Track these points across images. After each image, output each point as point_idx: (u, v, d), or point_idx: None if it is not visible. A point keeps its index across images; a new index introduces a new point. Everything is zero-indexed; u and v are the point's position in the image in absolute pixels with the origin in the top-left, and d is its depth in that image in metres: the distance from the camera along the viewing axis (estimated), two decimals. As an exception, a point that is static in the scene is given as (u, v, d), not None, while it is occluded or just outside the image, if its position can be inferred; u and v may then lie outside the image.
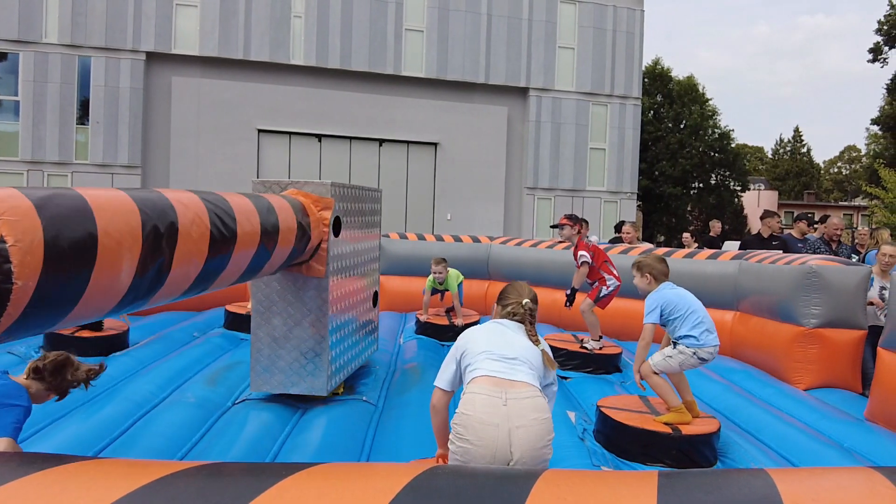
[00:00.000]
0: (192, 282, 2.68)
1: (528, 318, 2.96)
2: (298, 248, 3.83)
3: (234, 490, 1.51)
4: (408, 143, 19.91)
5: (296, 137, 19.09)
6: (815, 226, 9.29)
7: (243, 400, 4.57)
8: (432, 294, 7.40)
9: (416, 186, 20.08)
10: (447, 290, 7.36)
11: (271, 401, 4.52)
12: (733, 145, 35.19)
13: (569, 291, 6.15)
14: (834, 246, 7.45)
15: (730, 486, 1.56)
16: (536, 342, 2.89)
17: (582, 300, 6.16)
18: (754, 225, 31.99)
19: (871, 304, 5.87)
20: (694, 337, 4.02)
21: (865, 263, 6.75)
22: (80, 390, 3.04)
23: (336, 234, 4.41)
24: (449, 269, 7.25)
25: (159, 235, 2.32)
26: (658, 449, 3.88)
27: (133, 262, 2.20)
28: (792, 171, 59.62)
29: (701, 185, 34.07)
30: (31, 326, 1.95)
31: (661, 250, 7.69)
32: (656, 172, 31.33)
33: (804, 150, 61.81)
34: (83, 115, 17.78)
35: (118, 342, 5.94)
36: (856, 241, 8.68)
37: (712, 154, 33.36)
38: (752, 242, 8.32)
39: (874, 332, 5.54)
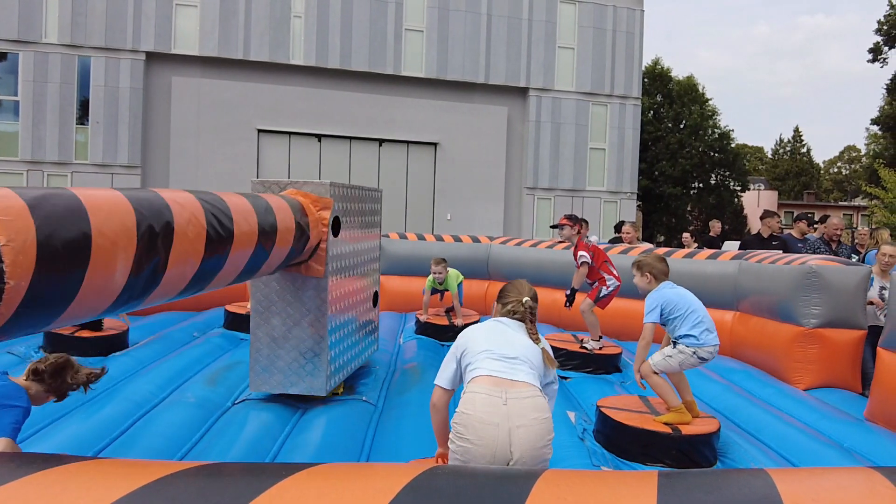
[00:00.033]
0: (189, 281, 2.68)
1: (529, 317, 2.95)
2: (297, 248, 3.82)
3: (233, 490, 1.51)
4: (407, 143, 19.91)
5: (295, 137, 19.09)
6: (815, 226, 9.29)
7: (243, 400, 4.57)
8: (432, 294, 7.40)
9: (415, 186, 20.08)
10: (447, 290, 7.36)
11: (271, 401, 4.52)
12: (733, 145, 35.20)
13: (568, 292, 6.15)
14: (834, 246, 7.45)
15: (730, 486, 1.56)
16: (537, 340, 2.88)
17: (582, 300, 6.16)
18: (754, 225, 32.00)
19: (871, 303, 5.87)
20: (694, 336, 4.02)
21: (865, 263, 6.75)
22: (80, 391, 3.05)
23: (335, 234, 4.41)
24: (449, 269, 7.25)
25: (155, 235, 2.33)
26: (658, 449, 3.88)
27: (128, 261, 2.20)
28: (792, 171, 59.64)
29: (701, 185, 34.07)
30: (25, 326, 1.95)
31: (661, 250, 7.69)
32: (656, 172, 31.33)
33: (804, 150, 61.84)
34: (83, 115, 17.78)
35: (118, 342, 5.94)
36: (856, 241, 8.68)
37: (712, 154, 33.37)
38: (752, 242, 8.32)
39: (874, 332, 5.54)
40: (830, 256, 6.44)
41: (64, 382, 2.92)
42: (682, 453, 3.84)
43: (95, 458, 1.81)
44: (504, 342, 2.81)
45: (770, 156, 63.77)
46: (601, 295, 6.04)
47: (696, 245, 9.59)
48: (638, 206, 26.64)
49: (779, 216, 8.63)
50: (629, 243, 9.29)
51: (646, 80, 30.93)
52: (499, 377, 2.67)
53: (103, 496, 1.45)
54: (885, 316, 5.34)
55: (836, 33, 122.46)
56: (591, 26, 21.08)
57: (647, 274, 4.21)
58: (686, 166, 31.38)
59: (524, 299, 2.97)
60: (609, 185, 21.59)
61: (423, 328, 7.21)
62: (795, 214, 18.70)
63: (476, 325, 3.00)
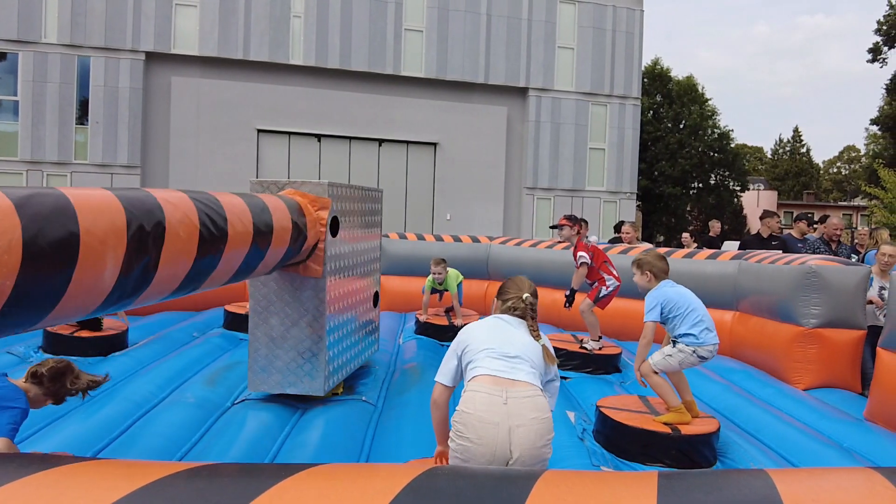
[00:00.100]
0: (182, 281, 2.68)
1: (530, 313, 2.93)
2: (294, 248, 3.82)
3: (233, 491, 1.51)
4: (407, 143, 19.91)
5: (295, 137, 19.09)
6: (815, 226, 9.30)
7: (243, 400, 4.57)
8: (431, 294, 7.39)
9: (415, 186, 20.08)
10: (446, 291, 7.35)
11: (271, 401, 4.51)
12: (733, 145, 35.23)
13: (568, 292, 6.15)
14: (833, 246, 7.45)
15: (730, 486, 1.56)
16: (538, 337, 2.87)
17: (581, 300, 6.16)
18: (754, 225, 32.01)
19: (871, 302, 5.87)
20: (693, 335, 4.02)
21: (865, 263, 6.75)
22: (77, 397, 3.05)
23: (333, 234, 4.40)
24: (448, 269, 7.25)
25: (145, 234, 2.33)
26: (658, 449, 3.88)
27: (117, 260, 2.20)
28: (791, 171, 59.69)
29: (700, 185, 34.09)
30: (11, 324, 1.96)
31: (661, 250, 7.68)
32: (656, 172, 31.34)
33: (803, 150, 61.90)
34: (82, 115, 17.78)
35: (117, 342, 5.93)
36: (855, 241, 8.69)
37: (712, 154, 33.38)
38: (752, 242, 8.32)
39: (874, 332, 5.54)
40: (830, 256, 6.44)
41: (63, 387, 2.92)
42: (681, 453, 3.84)
43: (95, 459, 1.81)
44: (505, 340, 2.80)
45: (770, 156, 63.82)
46: (601, 295, 6.04)
47: (695, 245, 9.60)
48: (637, 206, 26.66)
49: (778, 216, 8.63)
50: (629, 243, 9.29)
51: (645, 80, 30.95)
52: (499, 376, 2.66)
53: (103, 497, 1.45)
54: (884, 316, 5.34)
55: (836, 33, 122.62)
56: (591, 26, 21.09)
57: (647, 272, 4.21)
58: (685, 166, 31.39)
59: (524, 295, 2.95)
60: (609, 185, 21.60)
61: (423, 328, 7.21)
62: (795, 214, 18.70)
63: (477, 322, 2.99)
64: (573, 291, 6.13)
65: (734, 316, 6.71)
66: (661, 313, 4.09)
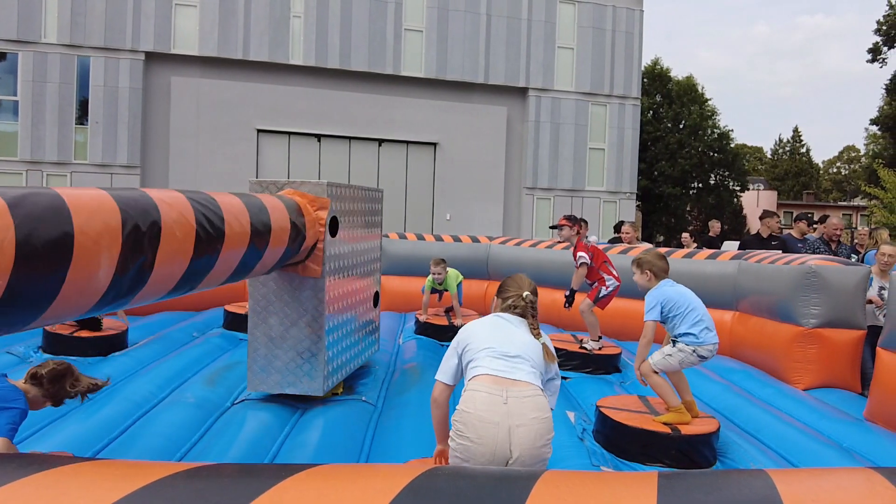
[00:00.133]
0: (178, 281, 2.68)
1: (530, 311, 2.92)
2: (293, 248, 3.82)
3: (233, 491, 1.51)
4: (407, 143, 19.91)
5: (295, 137, 19.09)
6: (815, 226, 9.30)
7: (242, 400, 4.57)
8: (431, 294, 7.39)
9: (415, 186, 20.08)
10: (446, 291, 7.35)
11: (270, 401, 4.51)
12: (732, 145, 35.23)
13: (568, 292, 6.15)
14: (833, 246, 7.46)
15: (730, 486, 1.56)
16: (538, 335, 2.87)
17: (581, 301, 6.16)
18: (753, 225, 32.01)
19: (870, 302, 5.87)
20: (693, 335, 4.02)
21: (865, 263, 6.75)
22: (76, 399, 3.05)
23: (333, 234, 4.40)
24: (448, 269, 7.25)
25: (141, 234, 2.33)
26: (657, 449, 3.88)
27: (112, 260, 2.20)
28: (791, 171, 59.69)
29: (700, 185, 34.09)
30: (5, 324, 1.97)
31: (661, 250, 7.69)
32: (655, 172, 31.34)
33: (803, 150, 61.90)
34: (82, 115, 17.78)
35: (117, 342, 5.93)
36: (855, 241, 8.69)
37: (711, 154, 33.39)
38: (752, 242, 8.32)
39: (873, 332, 5.55)
40: (830, 256, 6.44)
41: (62, 389, 2.93)
42: (681, 453, 3.84)
43: (95, 459, 1.81)
44: (505, 339, 2.79)
45: (769, 156, 63.83)
46: (600, 295, 6.04)
47: (695, 245, 9.60)
48: (637, 206, 26.67)
49: (778, 216, 8.64)
50: (628, 243, 9.30)
51: (645, 80, 30.95)
52: (500, 376, 2.66)
53: (103, 497, 1.45)
54: (884, 316, 5.34)
55: (836, 33, 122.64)
56: (591, 26, 21.09)
57: (647, 272, 4.22)
58: (685, 166, 31.39)
59: (524, 294, 2.95)
60: (608, 185, 21.61)
61: (423, 328, 7.20)
62: (795, 214, 18.72)
63: (477, 320, 2.98)
64: (573, 291, 6.13)
65: (734, 316, 6.71)
66: (661, 312, 4.09)
